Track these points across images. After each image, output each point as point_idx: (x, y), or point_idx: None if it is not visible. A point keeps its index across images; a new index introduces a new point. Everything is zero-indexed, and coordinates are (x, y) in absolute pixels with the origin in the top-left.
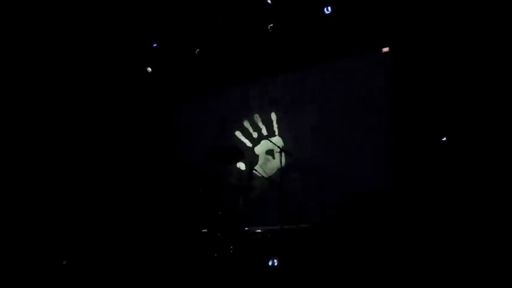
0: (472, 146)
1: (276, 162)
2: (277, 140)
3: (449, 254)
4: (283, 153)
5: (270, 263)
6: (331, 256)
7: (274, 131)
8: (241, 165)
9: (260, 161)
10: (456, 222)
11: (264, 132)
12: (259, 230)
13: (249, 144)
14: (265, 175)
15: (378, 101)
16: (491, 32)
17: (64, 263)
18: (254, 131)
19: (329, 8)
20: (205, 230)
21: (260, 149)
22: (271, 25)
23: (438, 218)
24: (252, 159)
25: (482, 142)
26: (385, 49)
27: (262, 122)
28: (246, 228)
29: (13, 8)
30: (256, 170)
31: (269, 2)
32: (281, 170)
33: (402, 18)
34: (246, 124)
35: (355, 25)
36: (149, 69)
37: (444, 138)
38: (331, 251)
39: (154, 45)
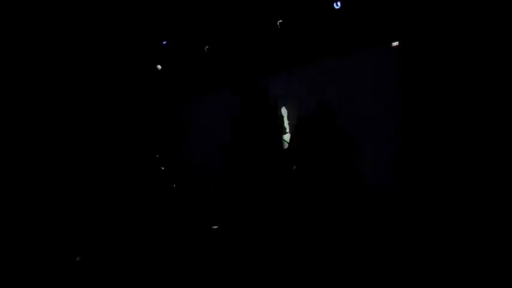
0: (482, 144)
1: None
2: (288, 137)
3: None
4: None
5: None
6: (339, 250)
7: (284, 128)
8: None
9: None
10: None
11: None
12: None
13: None
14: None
15: (389, 97)
16: (506, 27)
17: (78, 259)
18: None
19: (338, 3)
20: (216, 227)
21: None
22: (280, 21)
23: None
24: None
25: (493, 139)
26: (395, 43)
27: None
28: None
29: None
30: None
31: None
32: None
33: (412, 12)
34: None
35: (365, 20)
36: (159, 66)
37: None
38: (340, 245)
39: (164, 42)
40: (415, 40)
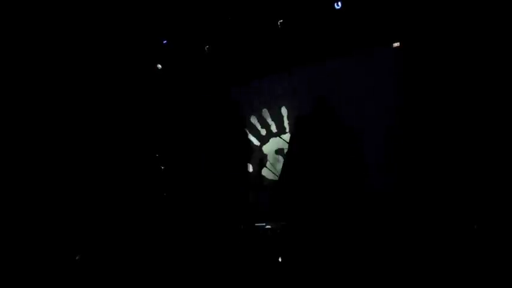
0: (483, 143)
1: None
2: (288, 137)
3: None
4: None
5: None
6: (337, 252)
7: (284, 128)
8: (249, 167)
9: (269, 161)
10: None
11: (274, 129)
12: (268, 226)
13: (256, 142)
14: (275, 176)
15: (389, 97)
16: (506, 27)
17: (77, 258)
18: (262, 127)
19: (339, 3)
20: (216, 226)
21: (269, 147)
22: (281, 21)
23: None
24: (260, 159)
25: (494, 139)
26: (396, 44)
27: (271, 117)
28: (256, 224)
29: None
30: (266, 167)
31: None
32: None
33: (413, 12)
34: (254, 120)
35: (365, 20)
36: (159, 66)
37: None
38: (337, 247)
39: (164, 42)
40: (416, 40)
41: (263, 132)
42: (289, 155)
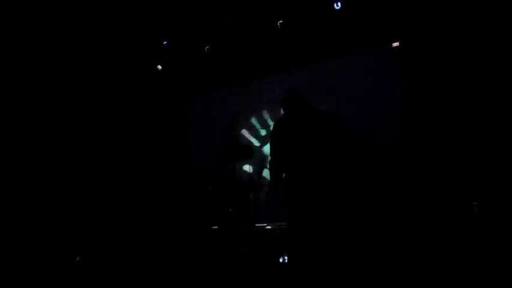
0: (483, 144)
1: None
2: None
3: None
4: None
5: (281, 260)
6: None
7: None
8: (249, 168)
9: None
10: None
11: None
12: (269, 227)
13: (256, 143)
14: None
15: (389, 97)
16: (506, 27)
17: (77, 259)
18: (262, 128)
19: (339, 4)
20: (216, 227)
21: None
22: (281, 22)
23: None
24: (260, 160)
25: (493, 139)
26: (396, 44)
27: (271, 118)
28: (256, 225)
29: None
30: (267, 167)
31: None
32: None
33: (412, 12)
34: (254, 121)
35: (365, 20)
36: (159, 66)
37: None
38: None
39: (164, 42)
40: (415, 40)
41: (263, 132)
42: (272, 164)
